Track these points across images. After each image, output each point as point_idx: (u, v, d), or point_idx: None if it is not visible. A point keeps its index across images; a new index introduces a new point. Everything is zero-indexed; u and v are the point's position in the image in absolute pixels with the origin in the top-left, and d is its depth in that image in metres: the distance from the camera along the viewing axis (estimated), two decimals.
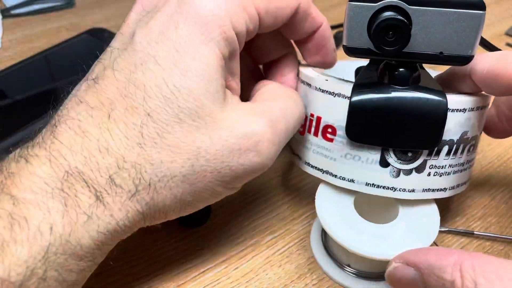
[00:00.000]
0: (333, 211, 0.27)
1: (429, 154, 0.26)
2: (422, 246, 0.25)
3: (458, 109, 0.25)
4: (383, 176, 0.26)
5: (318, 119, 0.27)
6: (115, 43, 0.24)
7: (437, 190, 0.27)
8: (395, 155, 0.26)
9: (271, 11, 0.25)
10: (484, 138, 0.38)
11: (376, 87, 0.25)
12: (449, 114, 0.25)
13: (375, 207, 0.28)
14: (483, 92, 0.27)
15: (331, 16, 0.51)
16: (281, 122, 0.25)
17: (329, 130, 0.27)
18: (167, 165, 0.21)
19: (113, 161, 0.21)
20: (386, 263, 0.24)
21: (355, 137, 0.26)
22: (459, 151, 0.27)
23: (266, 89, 0.27)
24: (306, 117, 0.28)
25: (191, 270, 0.28)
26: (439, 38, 0.23)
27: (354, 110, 0.25)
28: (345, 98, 0.26)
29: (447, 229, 0.31)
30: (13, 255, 0.18)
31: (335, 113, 0.26)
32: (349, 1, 0.23)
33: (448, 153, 0.26)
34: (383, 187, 0.26)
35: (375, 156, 0.26)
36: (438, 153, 0.26)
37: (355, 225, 0.26)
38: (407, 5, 0.23)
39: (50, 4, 0.56)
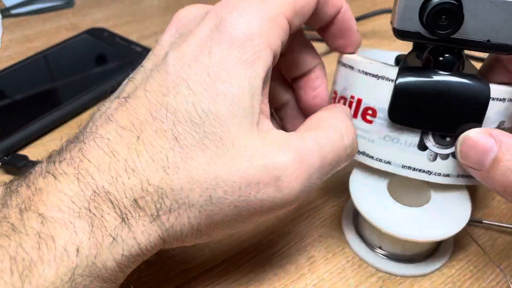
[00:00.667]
0: (366, 194, 0.28)
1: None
2: (455, 229, 0.26)
3: (498, 98, 0.26)
4: (420, 159, 0.27)
5: (359, 101, 0.28)
6: (148, 64, 0.24)
7: (471, 177, 0.27)
8: (434, 139, 0.26)
9: (298, 11, 0.24)
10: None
11: (421, 71, 0.26)
12: (490, 102, 0.25)
13: (407, 192, 0.29)
14: None
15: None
16: (313, 156, 0.23)
17: (369, 112, 0.27)
18: (187, 193, 0.21)
19: (138, 182, 0.20)
20: (418, 245, 0.26)
21: (397, 119, 0.26)
22: None
23: (313, 118, 0.26)
24: (345, 99, 0.29)
25: (191, 270, 0.28)
26: (488, 26, 0.24)
27: (399, 92, 0.26)
28: (389, 81, 0.26)
29: None
30: (40, 275, 0.18)
31: (377, 95, 0.27)
32: None
33: None
34: (419, 170, 0.27)
35: (414, 139, 0.26)
36: None
37: (389, 207, 0.27)
38: None
39: (49, 4, 0.56)
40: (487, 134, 0.24)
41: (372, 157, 0.28)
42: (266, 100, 0.25)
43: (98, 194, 0.20)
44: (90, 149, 0.21)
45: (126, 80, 0.25)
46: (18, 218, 0.19)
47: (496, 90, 0.26)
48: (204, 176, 0.21)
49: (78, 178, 0.20)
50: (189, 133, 0.21)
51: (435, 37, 0.24)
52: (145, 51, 0.47)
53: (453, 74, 0.25)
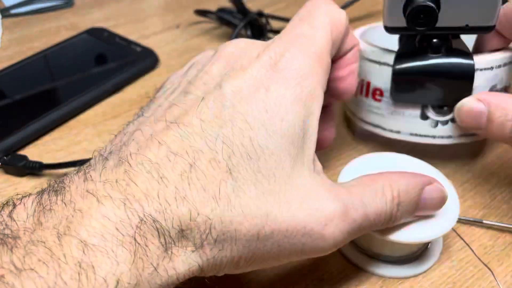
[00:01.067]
0: None
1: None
2: (442, 230, 0.26)
3: (485, 68, 0.31)
4: (424, 127, 0.32)
5: (368, 83, 0.33)
6: (197, 91, 0.24)
7: (471, 135, 0.32)
8: (433, 110, 0.32)
9: (334, 43, 0.26)
10: (485, 139, 0.38)
11: (414, 56, 0.31)
12: (478, 73, 0.30)
13: None
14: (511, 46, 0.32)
15: None
16: (357, 212, 0.23)
17: (378, 92, 0.33)
18: (235, 226, 0.20)
19: (186, 211, 0.20)
20: (406, 246, 0.26)
21: (398, 98, 0.31)
22: None
23: (368, 174, 0.25)
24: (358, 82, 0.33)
25: None
26: (465, 13, 0.28)
27: (396, 76, 0.31)
28: (389, 66, 0.31)
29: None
30: None
31: (382, 78, 0.32)
32: None
33: None
34: (425, 136, 0.32)
35: (417, 111, 0.32)
36: None
37: None
38: None
39: (49, 4, 0.55)
40: (475, 100, 0.29)
41: (384, 129, 0.33)
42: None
43: (145, 222, 0.19)
44: (138, 173, 0.20)
45: (165, 102, 0.24)
46: (56, 243, 0.18)
47: (482, 61, 0.30)
48: (255, 212, 0.21)
49: (124, 204, 0.19)
50: (243, 166, 0.21)
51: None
52: (145, 51, 0.47)
53: (442, 55, 0.30)
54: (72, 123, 0.40)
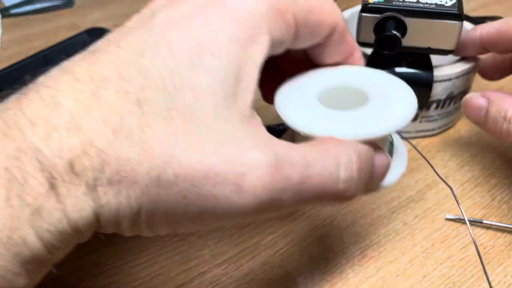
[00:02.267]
0: (293, 103, 0.24)
1: (421, 110, 0.36)
2: (395, 124, 0.22)
3: (444, 79, 0.34)
4: None
5: None
6: (129, 23, 0.21)
7: (427, 130, 0.38)
8: None
9: (310, 24, 0.22)
10: (485, 139, 0.38)
11: (383, 62, 0.34)
12: (437, 84, 0.34)
13: (342, 103, 0.25)
14: (479, 56, 0.36)
15: None
16: (294, 169, 0.19)
17: None
18: (132, 165, 0.17)
19: (79, 142, 0.17)
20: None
21: None
22: (446, 104, 0.36)
23: (324, 137, 0.21)
24: None
25: (191, 270, 0.28)
26: (428, 37, 0.32)
27: None
28: None
29: (456, 217, 0.31)
30: None
31: None
32: (360, 12, 0.32)
33: (436, 108, 0.36)
34: None
35: None
36: (427, 109, 0.36)
37: (316, 111, 0.23)
38: (403, 17, 0.31)
39: (49, 4, 0.55)
40: (479, 95, 0.31)
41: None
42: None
43: (23, 151, 0.16)
44: (29, 99, 0.17)
45: (101, 39, 0.21)
46: None
47: (441, 75, 0.34)
48: (158, 150, 0.17)
49: (5, 133, 0.16)
50: (157, 100, 0.18)
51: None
52: None
53: (407, 65, 0.34)
54: None
